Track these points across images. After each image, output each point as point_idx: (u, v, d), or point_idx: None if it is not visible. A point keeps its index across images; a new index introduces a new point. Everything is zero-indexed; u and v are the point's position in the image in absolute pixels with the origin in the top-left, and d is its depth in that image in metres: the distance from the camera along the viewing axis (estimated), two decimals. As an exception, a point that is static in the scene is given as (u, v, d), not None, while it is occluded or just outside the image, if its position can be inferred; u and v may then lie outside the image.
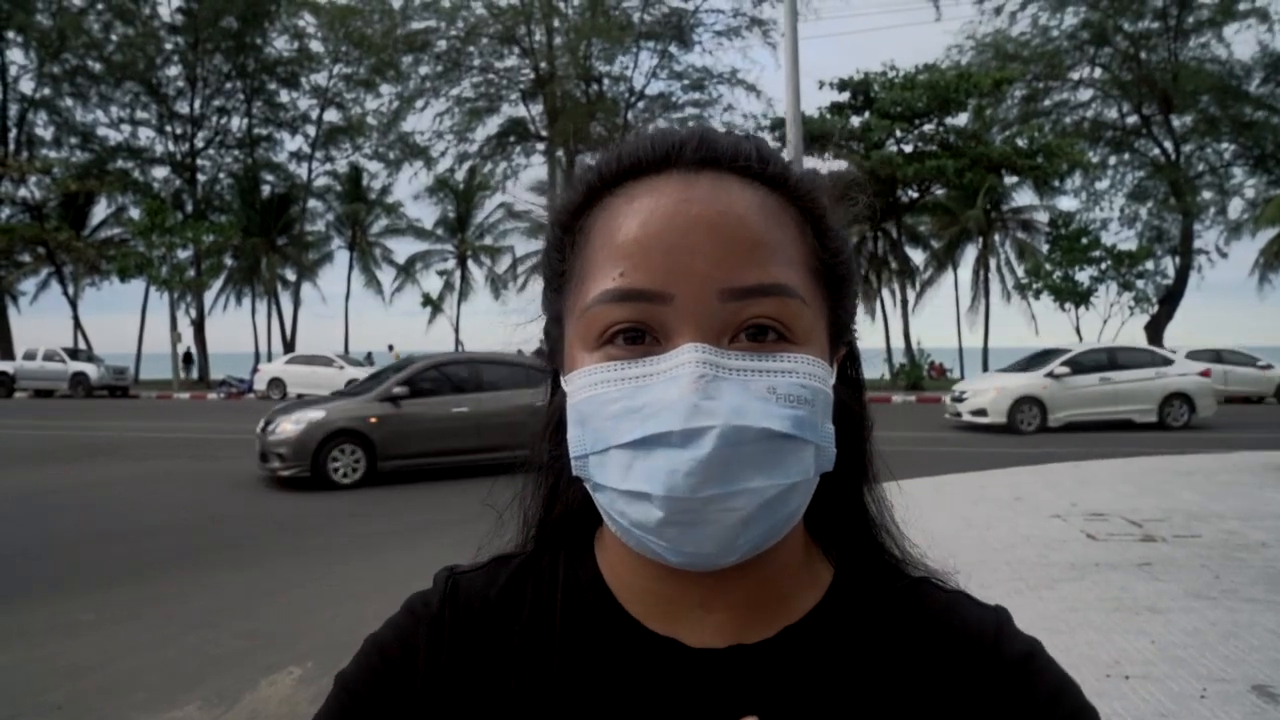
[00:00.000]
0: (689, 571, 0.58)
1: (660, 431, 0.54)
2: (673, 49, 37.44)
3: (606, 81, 37.88)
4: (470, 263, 41.36)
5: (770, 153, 0.62)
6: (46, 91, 39.01)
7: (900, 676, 0.62)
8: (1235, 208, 36.24)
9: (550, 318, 0.67)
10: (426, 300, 39.73)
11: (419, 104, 39.24)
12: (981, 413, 15.92)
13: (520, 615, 0.66)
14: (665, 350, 0.56)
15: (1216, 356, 23.97)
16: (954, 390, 17.04)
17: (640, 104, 37.64)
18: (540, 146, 38.99)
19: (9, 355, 34.17)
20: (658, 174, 0.60)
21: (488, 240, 41.36)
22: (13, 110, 38.64)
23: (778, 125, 29.79)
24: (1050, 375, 16.14)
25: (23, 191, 38.45)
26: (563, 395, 0.62)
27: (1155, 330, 32.84)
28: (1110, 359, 16.74)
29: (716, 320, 0.56)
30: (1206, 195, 35.89)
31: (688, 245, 0.56)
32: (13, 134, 38.53)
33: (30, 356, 30.70)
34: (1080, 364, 16.32)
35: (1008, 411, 15.76)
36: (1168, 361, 16.95)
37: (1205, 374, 16.83)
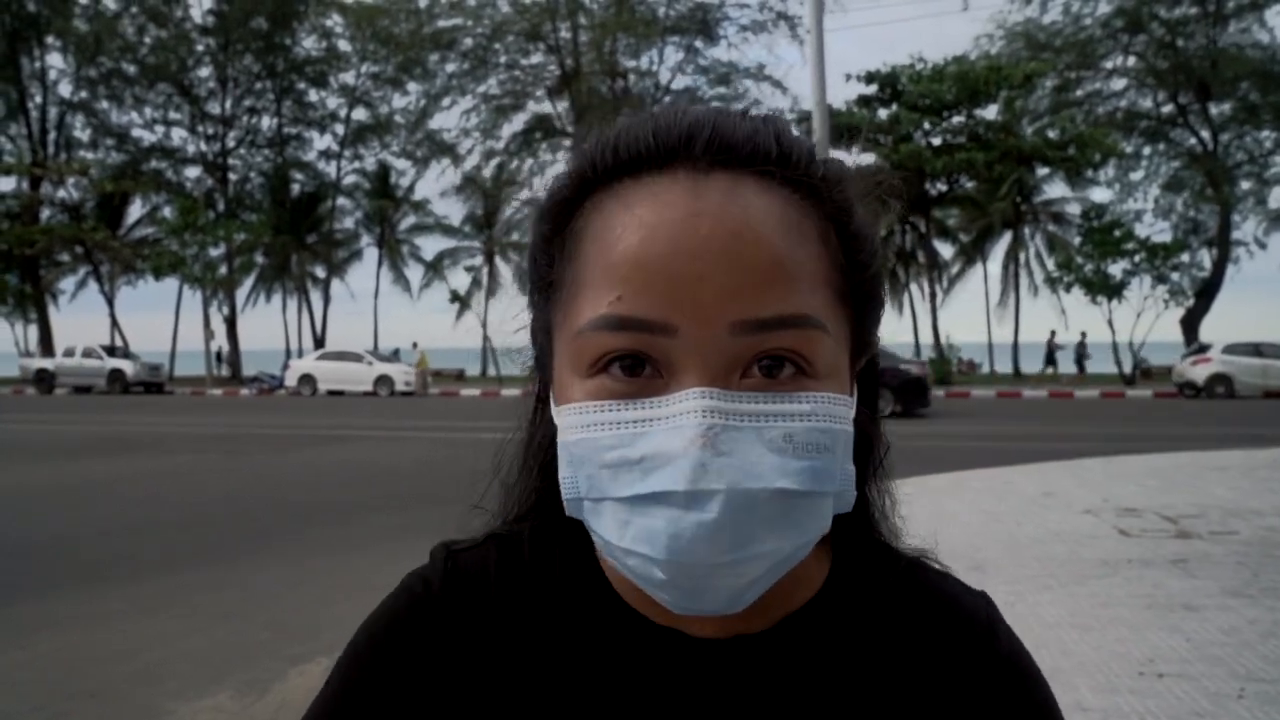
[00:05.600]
0: None
1: (662, 490, 0.48)
2: (698, 44, 37.42)
3: (632, 77, 37.89)
4: (498, 259, 41.57)
5: (792, 142, 0.54)
6: (84, 94, 39.90)
7: (900, 661, 0.61)
8: (1276, 197, 35.52)
9: (538, 325, 0.61)
10: (454, 297, 39.99)
11: (446, 102, 39.59)
12: None
13: (520, 600, 0.62)
14: (667, 384, 0.50)
15: (1255, 350, 23.49)
16: None
17: (666, 99, 37.57)
18: (566, 143, 39.05)
19: (49, 352, 34.95)
20: (661, 172, 0.52)
21: (515, 237, 41.53)
22: (52, 113, 39.52)
23: (804, 119, 29.62)
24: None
25: (61, 193, 39.34)
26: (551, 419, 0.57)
27: (1191, 324, 32.21)
28: None
29: (726, 355, 0.49)
30: (1245, 185, 35.12)
31: (696, 272, 0.49)
32: (52, 136, 39.39)
33: (69, 354, 31.44)
34: None
35: None
36: None
37: None
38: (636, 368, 0.50)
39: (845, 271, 0.55)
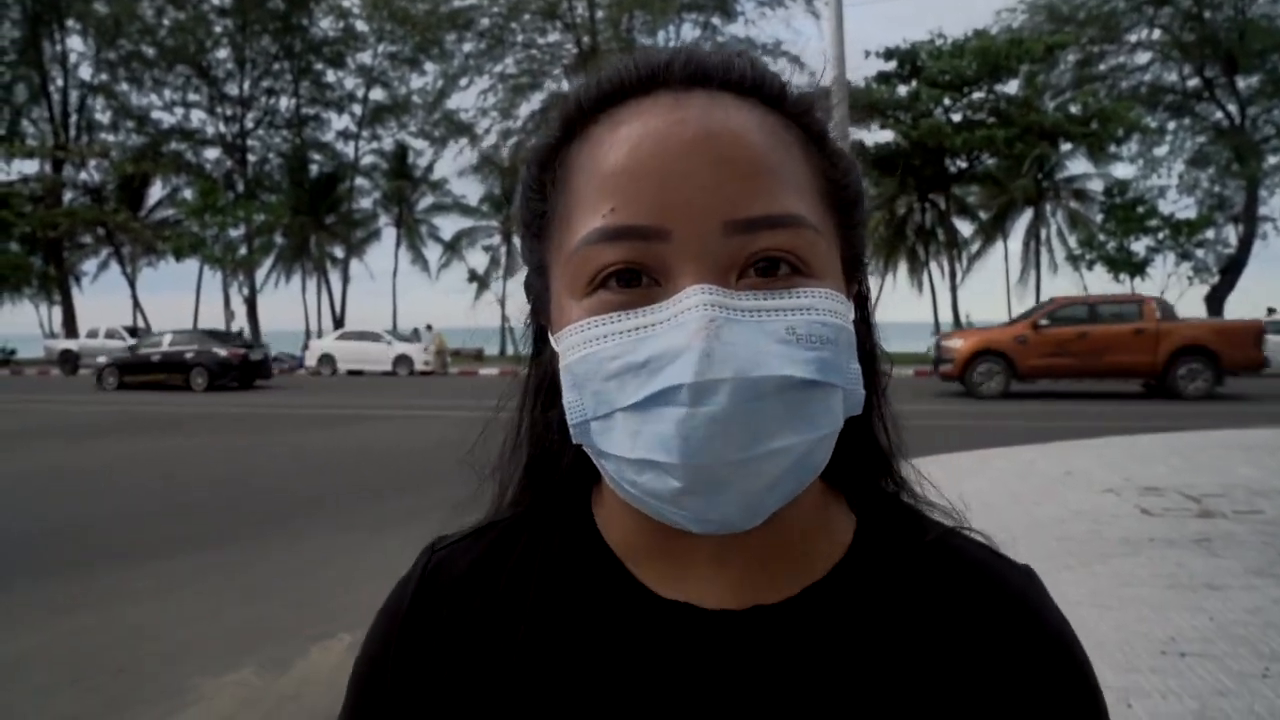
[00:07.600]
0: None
1: (669, 386, 0.47)
2: (715, 20, 37.03)
3: (649, 54, 37.59)
4: (515, 238, 41.44)
5: (765, 68, 0.56)
6: (104, 77, 40.18)
7: (931, 636, 0.57)
8: (1305, 172, 34.76)
9: (532, 268, 0.60)
10: (472, 276, 40.09)
11: (463, 81, 39.57)
12: None
13: (513, 589, 0.60)
14: (666, 292, 0.50)
15: (1281, 328, 23.16)
16: None
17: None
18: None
19: (73, 334, 35.38)
20: (644, 96, 0.54)
21: (532, 217, 41.50)
22: (73, 96, 39.82)
23: (823, 96, 29.26)
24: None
25: (83, 175, 39.71)
26: (552, 354, 0.56)
27: (1216, 301, 31.74)
28: None
29: (722, 256, 0.49)
30: (1272, 160, 34.43)
31: (683, 171, 0.50)
32: (73, 119, 39.70)
33: (93, 335, 31.84)
34: None
35: None
36: None
37: None
38: (634, 280, 0.50)
39: (829, 177, 0.56)
